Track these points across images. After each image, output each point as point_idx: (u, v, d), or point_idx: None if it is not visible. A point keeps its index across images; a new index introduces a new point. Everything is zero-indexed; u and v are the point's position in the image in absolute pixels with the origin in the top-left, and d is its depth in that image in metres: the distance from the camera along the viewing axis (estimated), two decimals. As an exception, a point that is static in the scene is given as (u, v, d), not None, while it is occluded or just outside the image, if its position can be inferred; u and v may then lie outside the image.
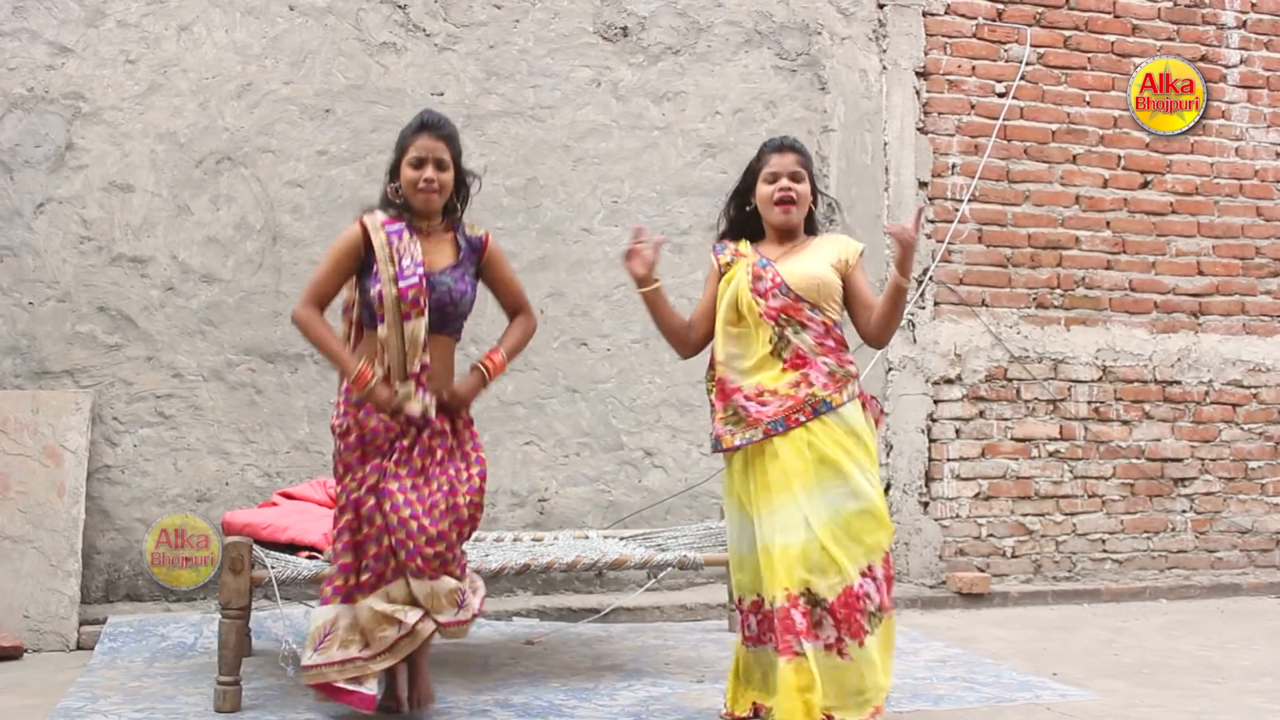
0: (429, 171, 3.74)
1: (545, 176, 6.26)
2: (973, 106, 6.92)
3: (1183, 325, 7.15)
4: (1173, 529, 7.06)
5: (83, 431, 5.39)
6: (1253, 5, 7.38)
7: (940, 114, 6.86)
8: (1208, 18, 7.31)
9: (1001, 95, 6.95)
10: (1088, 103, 7.09)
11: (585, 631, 5.55)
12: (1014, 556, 6.79)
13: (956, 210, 6.80)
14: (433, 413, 3.78)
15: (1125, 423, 7.02)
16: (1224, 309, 7.22)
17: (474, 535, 5.29)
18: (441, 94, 6.15)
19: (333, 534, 3.83)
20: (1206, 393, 7.16)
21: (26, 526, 5.23)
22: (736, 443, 3.71)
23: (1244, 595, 6.90)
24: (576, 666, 4.85)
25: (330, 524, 3.99)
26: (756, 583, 3.72)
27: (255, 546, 4.25)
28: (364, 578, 3.74)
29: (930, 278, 6.74)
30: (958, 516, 6.72)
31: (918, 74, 6.84)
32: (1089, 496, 6.94)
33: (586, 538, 5.43)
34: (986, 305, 6.85)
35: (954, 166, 6.86)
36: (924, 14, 6.86)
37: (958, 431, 6.76)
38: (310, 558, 4.44)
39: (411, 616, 3.72)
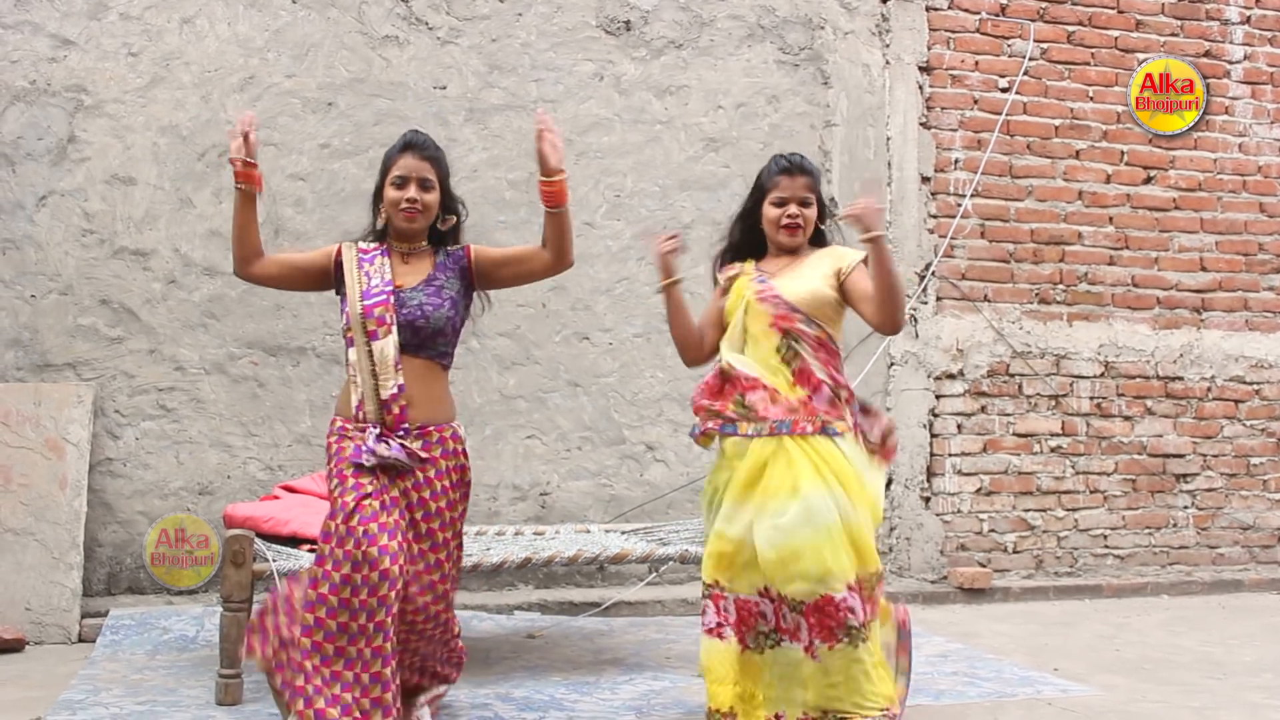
0: (412, 191, 3.55)
1: (548, 170, 6.25)
2: (976, 102, 6.91)
3: (1185, 321, 7.15)
4: (1174, 525, 7.06)
5: (85, 424, 5.39)
6: (1257, 1, 7.36)
7: (943, 109, 6.85)
8: (1211, 13, 7.29)
9: (1004, 90, 6.94)
10: (1091, 98, 7.08)
11: (586, 625, 5.56)
12: (1015, 552, 6.79)
13: (959, 205, 6.80)
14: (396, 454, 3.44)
15: (1127, 418, 7.01)
16: (1226, 305, 7.22)
17: (476, 531, 5.32)
18: (444, 87, 6.15)
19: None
20: (1209, 389, 7.15)
21: (28, 519, 5.23)
22: (749, 431, 3.69)
23: (1245, 591, 6.90)
24: (578, 660, 4.86)
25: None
26: (733, 575, 3.70)
27: (257, 540, 4.26)
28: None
29: (933, 273, 6.73)
30: (959, 512, 6.72)
31: (921, 69, 6.83)
32: (1091, 492, 6.93)
33: (588, 532, 5.43)
34: (989, 300, 6.85)
35: (957, 162, 6.85)
36: (927, 9, 6.85)
37: (959, 427, 6.76)
38: (312, 551, 4.44)
39: None
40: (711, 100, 6.52)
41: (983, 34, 6.95)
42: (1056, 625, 5.85)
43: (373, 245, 3.64)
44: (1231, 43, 7.31)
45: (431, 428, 3.51)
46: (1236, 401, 7.19)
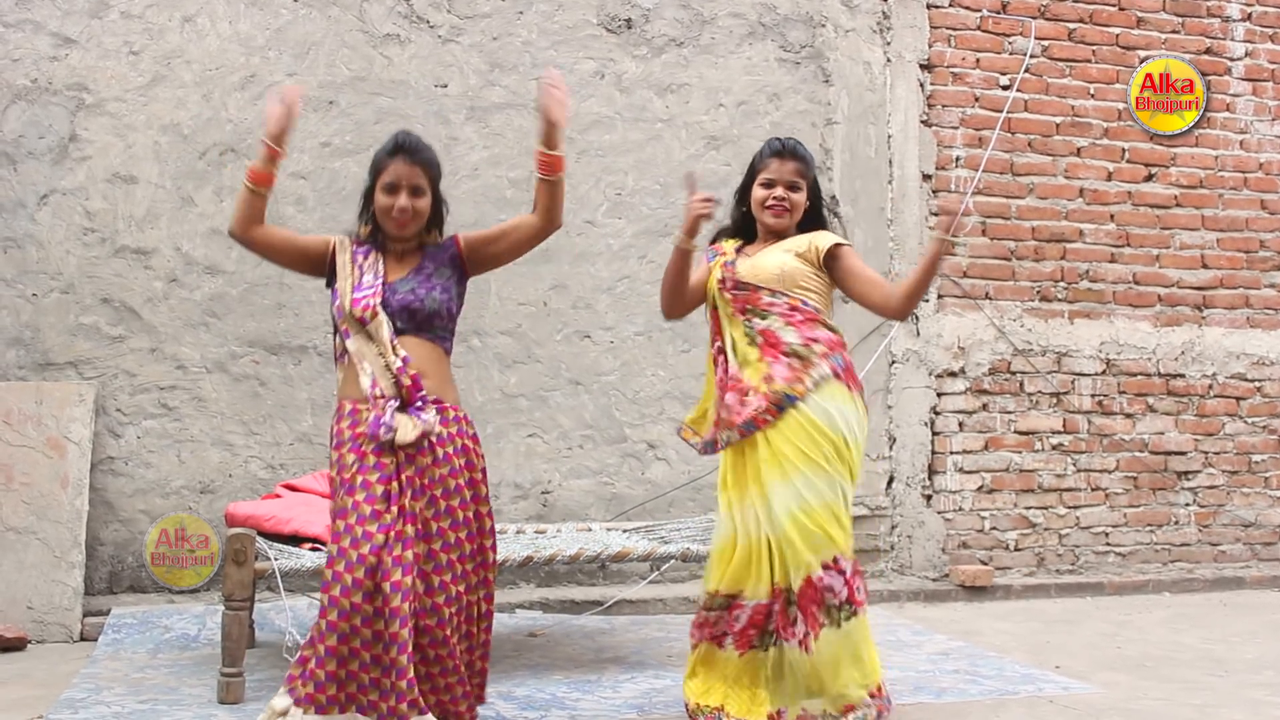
0: (403, 199, 3.48)
1: (549, 169, 6.25)
2: (977, 99, 6.90)
3: (1186, 318, 7.14)
4: (1176, 522, 7.06)
5: (86, 423, 5.40)
6: (1258, -2, 7.37)
7: (944, 107, 6.85)
8: (1212, 10, 7.28)
9: (1005, 88, 6.94)
10: (1092, 96, 7.07)
11: (588, 624, 5.56)
12: (1017, 549, 6.79)
13: (960, 203, 6.79)
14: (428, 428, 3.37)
15: (1129, 416, 7.01)
16: (1228, 302, 7.21)
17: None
18: (445, 86, 6.14)
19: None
20: (1210, 386, 7.15)
21: (30, 518, 5.24)
22: (720, 443, 3.80)
23: (1247, 589, 6.90)
24: (579, 659, 4.86)
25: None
26: (738, 578, 3.72)
27: (258, 538, 4.26)
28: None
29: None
30: (960, 509, 6.72)
31: (922, 66, 6.83)
32: (1092, 490, 6.93)
33: (589, 530, 5.43)
34: (990, 298, 6.84)
35: (958, 159, 6.85)
36: (928, 6, 6.84)
37: (961, 424, 6.76)
38: (313, 549, 4.45)
39: None
40: (712, 98, 6.52)
41: (984, 31, 6.94)
42: (1058, 623, 5.85)
43: (364, 242, 3.61)
44: (1232, 40, 7.31)
45: (446, 404, 3.45)
46: (1238, 399, 7.19)
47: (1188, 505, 7.08)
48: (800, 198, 3.85)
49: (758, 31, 6.61)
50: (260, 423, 5.84)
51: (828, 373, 3.70)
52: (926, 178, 6.78)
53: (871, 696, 3.61)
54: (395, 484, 3.30)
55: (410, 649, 3.18)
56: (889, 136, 6.75)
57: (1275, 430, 7.24)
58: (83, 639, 5.17)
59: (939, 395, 6.73)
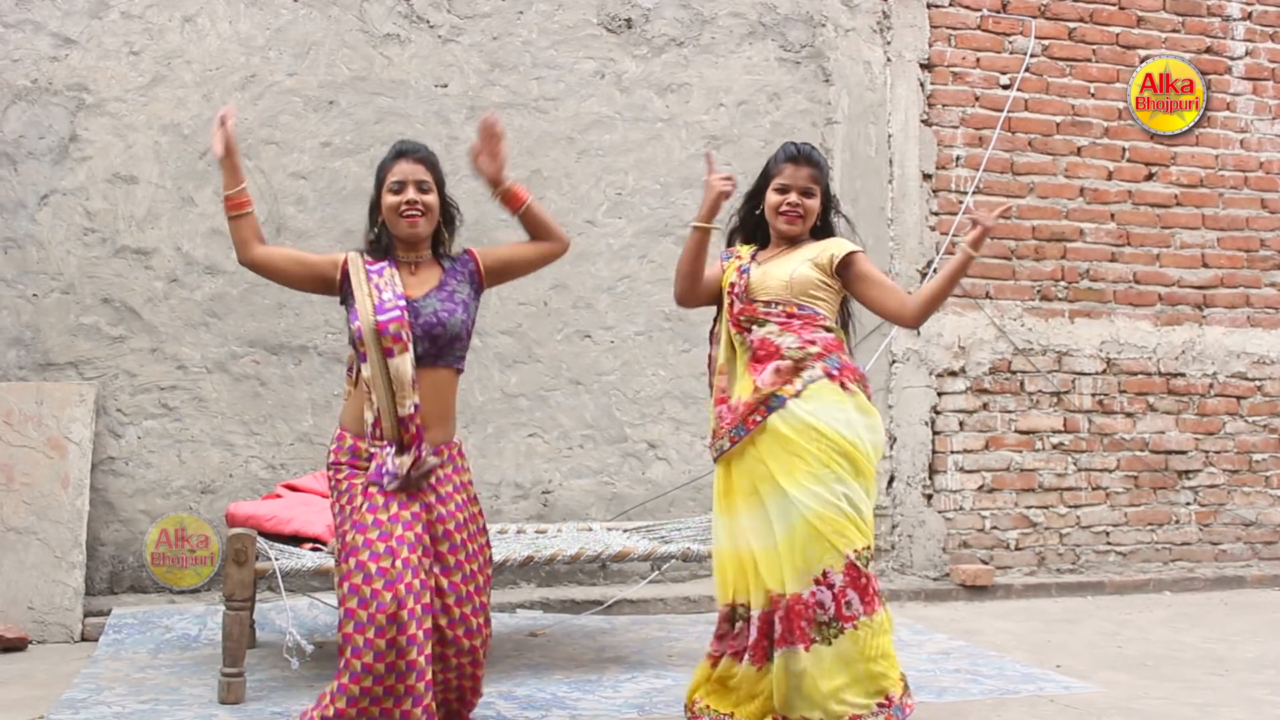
0: (410, 194, 3.45)
1: (549, 168, 6.26)
2: (977, 99, 6.90)
3: (1187, 318, 7.14)
4: (1176, 521, 7.06)
5: (87, 423, 5.40)
6: (1258, -3, 7.37)
7: (944, 106, 6.85)
8: (1213, 9, 7.28)
9: (1006, 87, 6.94)
10: (1092, 95, 7.07)
11: (589, 624, 5.56)
12: (1017, 549, 6.79)
13: (961, 203, 6.79)
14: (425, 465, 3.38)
15: (1129, 415, 7.01)
16: (1228, 301, 7.21)
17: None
18: (445, 86, 6.14)
19: None
20: (1211, 385, 7.15)
21: (31, 518, 5.24)
22: (714, 453, 3.80)
23: (1248, 588, 6.90)
24: (580, 658, 4.86)
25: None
26: (740, 588, 3.71)
27: (259, 538, 4.26)
28: None
29: (935, 270, 6.72)
30: (961, 509, 6.72)
31: (922, 66, 6.83)
32: (1093, 489, 6.93)
33: (590, 530, 5.44)
34: (990, 298, 6.84)
35: (958, 159, 6.85)
36: (928, 6, 6.84)
37: (961, 424, 6.76)
38: (314, 549, 4.45)
39: None
40: (713, 98, 6.52)
41: (984, 31, 6.94)
42: (1059, 622, 5.85)
43: (376, 259, 3.53)
44: (1233, 39, 7.31)
45: (442, 446, 3.46)
46: (1238, 398, 7.19)
47: (1188, 504, 7.08)
48: (814, 204, 3.83)
49: (758, 31, 6.61)
50: (261, 423, 5.84)
51: (820, 374, 3.66)
52: (927, 177, 6.78)
53: (880, 706, 3.57)
54: (400, 523, 3.30)
55: (429, 677, 3.20)
56: (889, 136, 6.75)
57: (1276, 429, 7.24)
58: (83, 639, 5.17)
59: (939, 395, 6.73)
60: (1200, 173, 7.21)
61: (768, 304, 3.74)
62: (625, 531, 5.34)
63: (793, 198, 3.80)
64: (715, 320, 3.99)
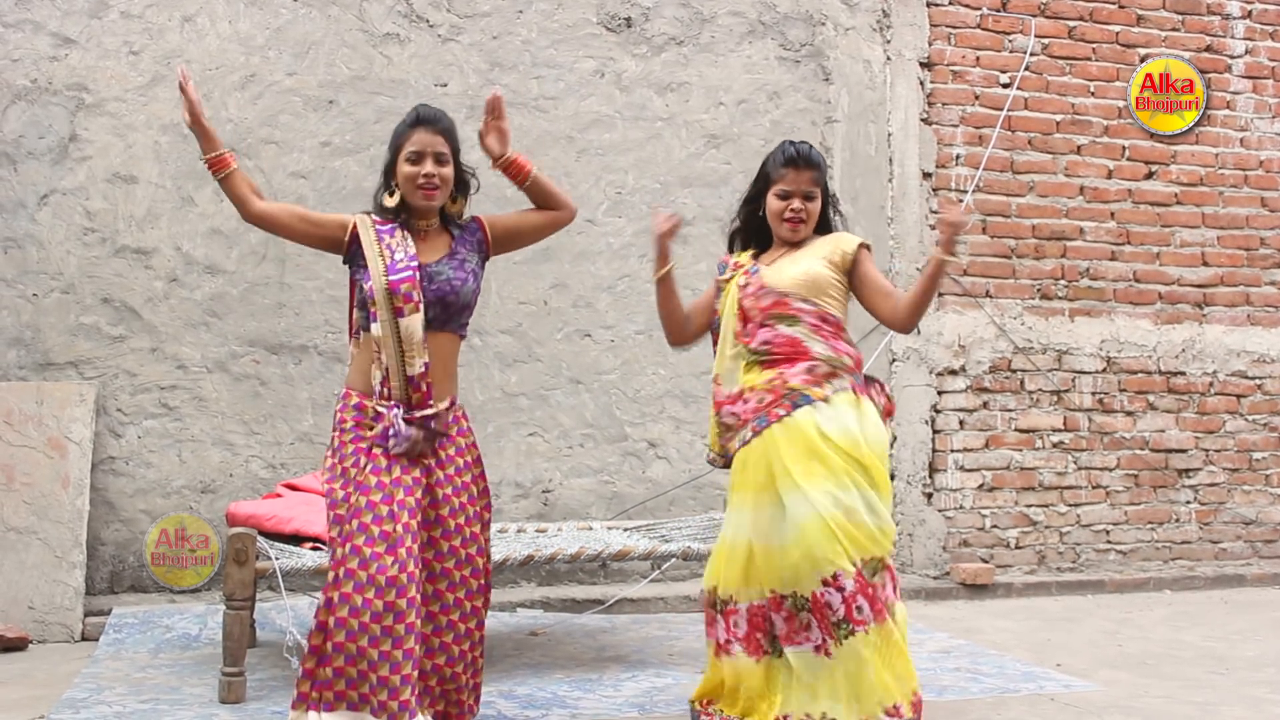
0: (428, 166, 3.44)
1: (549, 168, 6.25)
2: (977, 97, 6.90)
3: (1187, 316, 7.14)
4: (1177, 520, 7.06)
5: (87, 423, 5.40)
6: (1258, -5, 7.37)
7: (944, 105, 6.85)
8: (1212, 8, 7.28)
9: (1006, 86, 6.94)
10: (1092, 93, 7.07)
11: (589, 623, 5.56)
12: (1018, 548, 6.79)
13: (961, 201, 6.79)
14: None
15: (1129, 414, 7.01)
16: (1228, 300, 7.21)
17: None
18: (445, 85, 6.14)
19: None
20: (1211, 384, 7.15)
21: (31, 518, 5.24)
22: (734, 447, 3.74)
23: (1248, 586, 6.90)
24: (580, 657, 4.86)
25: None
26: (742, 583, 3.69)
27: (259, 538, 4.26)
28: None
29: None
30: (961, 508, 6.72)
31: (922, 65, 6.83)
32: (1093, 487, 6.93)
33: (590, 529, 5.43)
34: (991, 296, 6.84)
35: (958, 157, 6.85)
36: (928, 4, 6.84)
37: (961, 423, 6.76)
38: (314, 549, 4.45)
39: None
40: (712, 97, 6.52)
41: (984, 29, 6.94)
42: (1059, 621, 5.85)
43: (388, 220, 3.54)
44: (1233, 37, 7.31)
45: (447, 407, 3.48)
46: (1238, 396, 7.19)
47: (1188, 503, 7.09)
48: (816, 207, 3.81)
49: (757, 30, 6.61)
50: (261, 422, 5.84)
51: (848, 387, 3.67)
52: (927, 176, 6.78)
53: (888, 715, 3.55)
54: (402, 487, 3.31)
55: (413, 646, 3.20)
56: (889, 135, 6.75)
57: (1276, 428, 7.24)
58: (84, 639, 5.17)
59: (940, 393, 6.73)
60: (1200, 171, 7.21)
61: (803, 300, 3.70)
62: (625, 530, 5.34)
63: (795, 204, 3.77)
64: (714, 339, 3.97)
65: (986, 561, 6.67)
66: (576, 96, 6.33)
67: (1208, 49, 7.26)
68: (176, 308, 5.78)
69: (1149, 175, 7.14)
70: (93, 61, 5.74)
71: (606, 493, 6.23)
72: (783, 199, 3.79)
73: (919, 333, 6.65)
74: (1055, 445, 6.88)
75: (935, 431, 6.71)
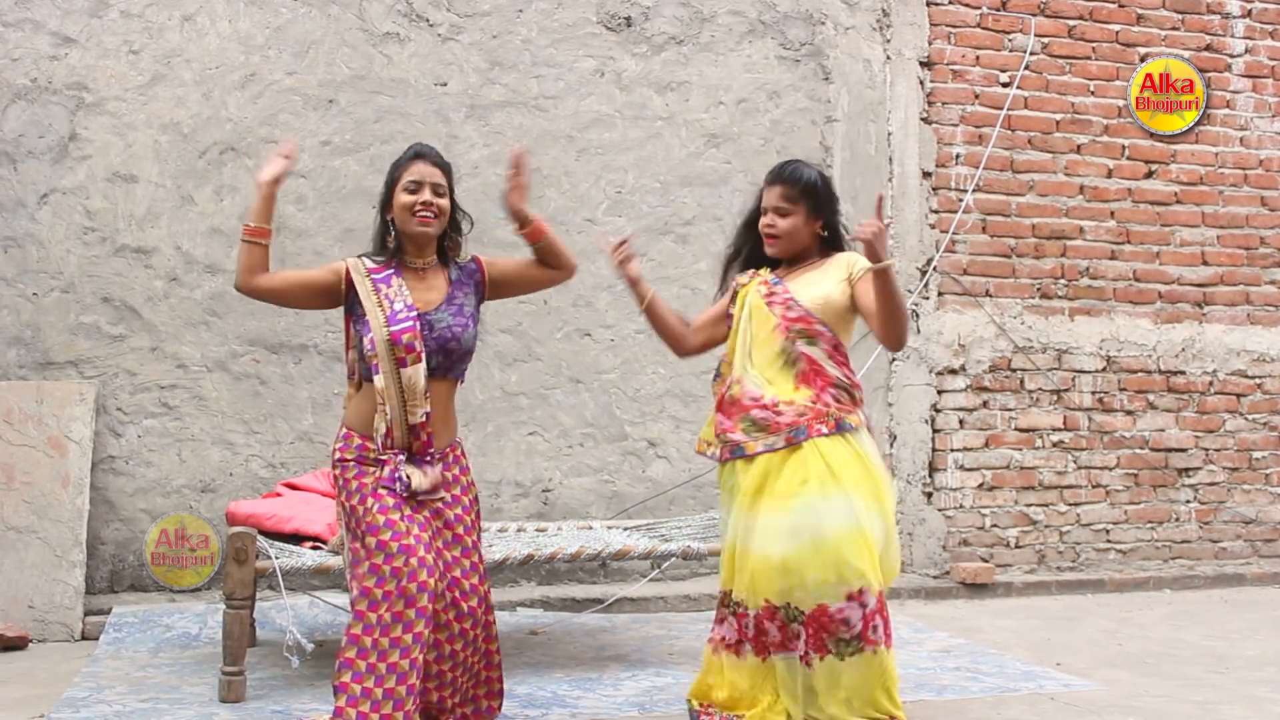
0: (426, 195, 3.47)
1: (549, 167, 6.25)
2: (977, 96, 6.90)
3: (1187, 315, 7.14)
4: (1177, 519, 7.06)
5: (87, 422, 5.40)
6: (1258, -6, 7.37)
7: (944, 104, 6.85)
8: (1212, 7, 7.28)
9: (1006, 85, 6.94)
10: (1092, 93, 7.07)
11: (589, 622, 5.56)
12: (1018, 547, 6.79)
13: (960, 200, 6.79)
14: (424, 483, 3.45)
15: (1129, 413, 7.01)
16: (1228, 299, 7.21)
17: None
18: (445, 84, 6.14)
19: None
20: (1211, 383, 7.15)
21: (31, 517, 5.24)
22: (759, 449, 3.65)
23: (1248, 585, 6.90)
24: (580, 657, 4.86)
25: (333, 514, 3.99)
26: (748, 585, 3.69)
27: (259, 537, 4.26)
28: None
29: (934, 268, 6.73)
30: (961, 507, 6.72)
31: (922, 64, 6.82)
32: (1093, 487, 6.93)
33: (590, 528, 5.44)
34: (990, 295, 6.84)
35: (958, 157, 6.85)
36: (928, 4, 6.84)
37: (961, 422, 6.76)
38: (314, 548, 4.45)
39: None
40: (712, 96, 6.52)
41: (984, 29, 6.94)
42: (1059, 620, 5.85)
43: (380, 263, 3.53)
44: (1233, 36, 7.30)
45: (446, 449, 3.55)
46: (1238, 395, 7.19)
47: (1188, 502, 7.08)
48: (788, 223, 3.75)
49: (757, 29, 6.61)
50: (261, 421, 5.84)
51: (863, 419, 3.71)
52: (926, 175, 6.78)
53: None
54: (417, 524, 3.37)
55: (423, 631, 3.27)
56: (889, 134, 6.75)
57: (1276, 427, 7.24)
58: (84, 638, 5.17)
59: (939, 393, 6.73)
60: (1200, 170, 7.21)
61: (823, 324, 3.70)
62: (625, 530, 5.34)
63: (767, 219, 3.78)
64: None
65: (986, 561, 6.67)
66: (576, 96, 6.33)
67: (1208, 48, 7.26)
68: (176, 307, 5.78)
69: (1149, 175, 7.14)
70: (93, 60, 5.74)
71: (606, 492, 6.23)
72: (762, 215, 3.80)
73: (918, 332, 6.66)
74: (1055, 444, 6.88)
75: (935, 431, 6.71)
